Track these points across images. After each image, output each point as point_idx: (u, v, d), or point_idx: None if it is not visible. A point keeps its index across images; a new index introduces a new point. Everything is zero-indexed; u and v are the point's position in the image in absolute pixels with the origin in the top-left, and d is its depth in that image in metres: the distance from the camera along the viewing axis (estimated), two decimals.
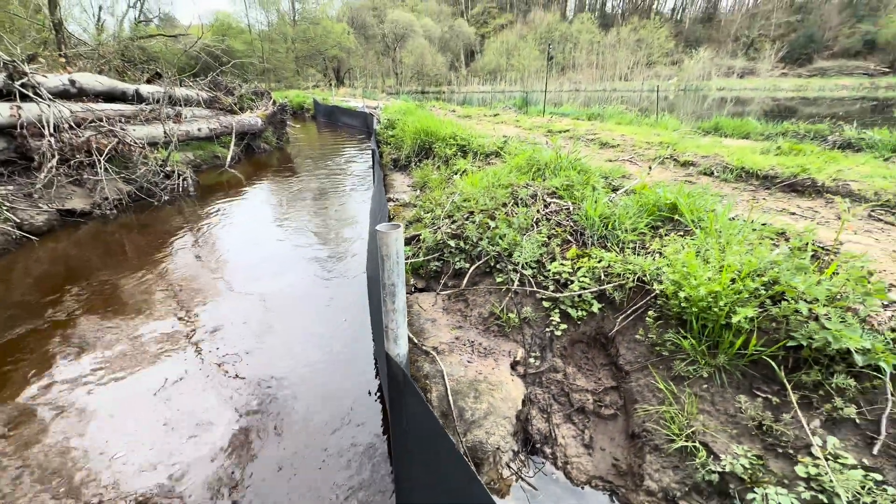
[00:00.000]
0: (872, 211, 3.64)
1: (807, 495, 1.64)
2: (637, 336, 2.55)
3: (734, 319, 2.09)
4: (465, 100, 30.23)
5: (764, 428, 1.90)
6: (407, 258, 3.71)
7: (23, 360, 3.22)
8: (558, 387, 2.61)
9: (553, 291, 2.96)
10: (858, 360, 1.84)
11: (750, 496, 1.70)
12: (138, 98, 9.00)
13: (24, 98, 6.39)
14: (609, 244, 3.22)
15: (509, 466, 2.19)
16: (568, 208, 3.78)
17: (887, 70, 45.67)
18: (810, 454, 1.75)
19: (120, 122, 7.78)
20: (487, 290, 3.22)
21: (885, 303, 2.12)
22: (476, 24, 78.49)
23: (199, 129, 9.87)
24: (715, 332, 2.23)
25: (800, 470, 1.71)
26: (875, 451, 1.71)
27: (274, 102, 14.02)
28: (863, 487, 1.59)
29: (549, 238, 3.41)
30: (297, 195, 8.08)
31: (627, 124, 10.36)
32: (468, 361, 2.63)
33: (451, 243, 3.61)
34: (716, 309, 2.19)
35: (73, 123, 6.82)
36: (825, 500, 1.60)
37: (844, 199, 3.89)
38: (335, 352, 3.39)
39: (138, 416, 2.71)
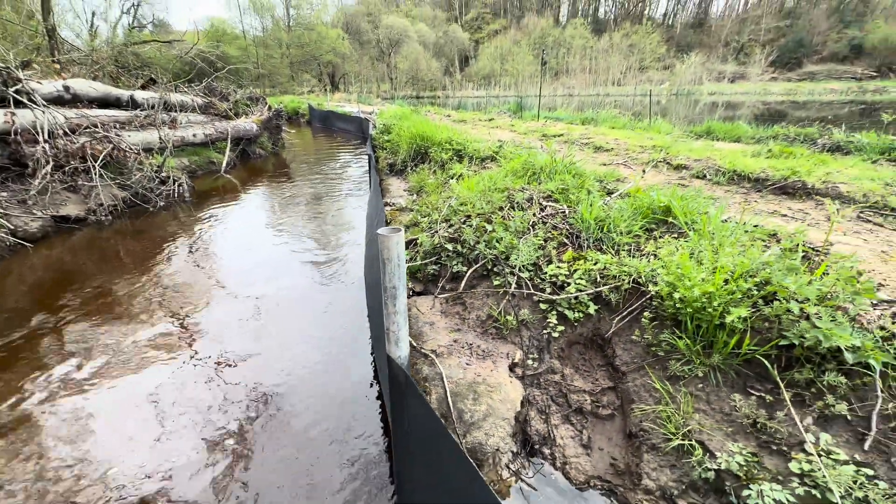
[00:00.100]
0: (861, 212, 3.71)
1: (801, 491, 1.67)
2: (633, 337, 2.59)
3: (728, 319, 2.13)
4: (460, 104, 30.40)
5: (758, 426, 1.94)
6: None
7: (16, 365, 3.20)
8: (556, 388, 2.64)
9: (550, 294, 2.99)
10: (849, 357, 1.88)
11: (745, 493, 1.73)
12: (133, 104, 8.99)
13: (19, 104, 6.37)
14: (604, 247, 3.26)
15: (508, 467, 2.20)
16: (564, 211, 3.82)
17: (874, 74, 46.46)
18: (804, 451, 1.79)
19: (115, 128, 7.77)
20: (485, 292, 3.25)
21: (874, 302, 2.17)
22: (470, 29, 79.03)
23: (194, 135, 9.87)
24: (709, 332, 2.27)
25: (794, 466, 1.75)
26: (866, 447, 1.75)
27: (269, 108, 14.04)
28: (855, 482, 1.62)
29: (545, 241, 3.44)
30: (293, 200, 8.09)
31: (621, 128, 10.47)
32: (467, 364, 2.65)
33: (449, 247, 3.64)
34: (710, 309, 2.23)
35: (67, 130, 6.80)
36: (818, 496, 1.64)
37: (834, 201, 3.96)
38: (333, 353, 3.40)
39: (130, 422, 2.70)
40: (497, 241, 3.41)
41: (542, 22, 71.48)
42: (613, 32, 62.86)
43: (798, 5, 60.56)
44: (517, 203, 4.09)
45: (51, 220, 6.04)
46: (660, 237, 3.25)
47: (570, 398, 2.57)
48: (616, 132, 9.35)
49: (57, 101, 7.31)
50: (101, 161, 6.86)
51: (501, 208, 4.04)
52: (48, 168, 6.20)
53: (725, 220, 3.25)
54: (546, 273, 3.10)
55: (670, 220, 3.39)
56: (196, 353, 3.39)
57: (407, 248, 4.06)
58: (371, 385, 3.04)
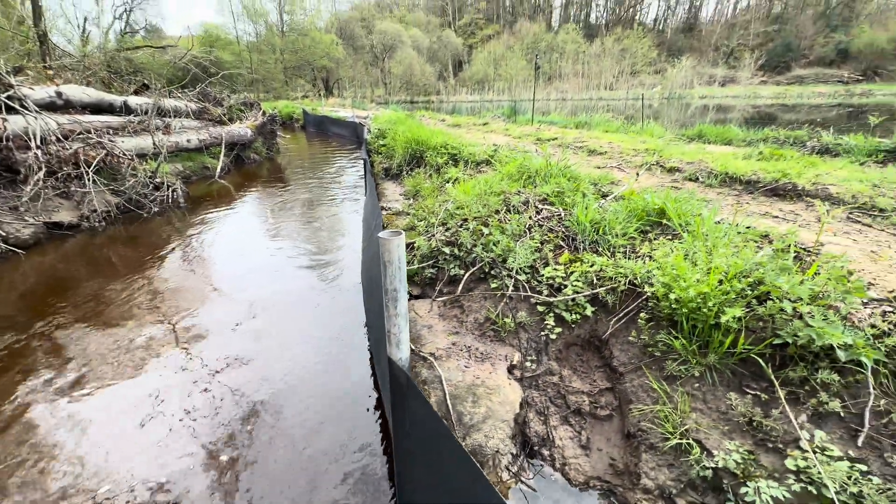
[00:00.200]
0: (850, 213, 3.78)
1: (797, 487, 1.69)
2: (630, 338, 2.61)
3: (723, 319, 2.16)
4: (454, 109, 30.51)
5: (754, 424, 1.96)
6: None
7: (6, 373, 3.16)
8: (555, 389, 2.65)
9: (547, 296, 3.02)
10: (841, 355, 1.91)
11: (743, 490, 1.76)
12: (126, 110, 8.95)
13: (10, 110, 6.33)
14: (600, 249, 3.29)
15: (508, 469, 2.21)
16: (559, 214, 3.86)
17: (861, 77, 47.33)
18: (799, 448, 1.82)
19: (108, 133, 7.73)
20: (483, 295, 3.27)
21: (865, 300, 2.21)
22: (463, 34, 79.54)
23: (188, 141, 9.83)
24: (705, 332, 2.30)
25: (789, 463, 1.77)
26: (859, 443, 1.78)
27: (263, 113, 14.03)
28: (849, 478, 1.65)
29: (541, 244, 3.47)
30: (288, 205, 8.08)
31: (614, 132, 10.57)
32: (466, 366, 2.66)
33: (446, 250, 3.66)
34: (705, 309, 2.26)
35: (60, 136, 6.75)
36: (814, 492, 1.66)
37: (824, 202, 4.03)
38: (332, 353, 3.40)
39: (122, 429, 2.67)
40: (494, 244, 3.44)
41: (534, 27, 72.11)
42: (605, 37, 63.54)
43: (785, 10, 61.64)
44: (513, 206, 4.12)
45: (43, 226, 5.99)
46: (654, 239, 3.29)
47: (568, 399, 2.59)
48: (609, 136, 9.44)
49: (49, 107, 7.26)
50: (95, 167, 6.82)
51: (498, 211, 4.07)
52: (40, 174, 6.15)
53: (718, 222, 3.30)
54: (543, 275, 3.13)
55: (664, 221, 3.44)
56: (188, 359, 3.37)
57: None
58: (370, 395, 3.04)
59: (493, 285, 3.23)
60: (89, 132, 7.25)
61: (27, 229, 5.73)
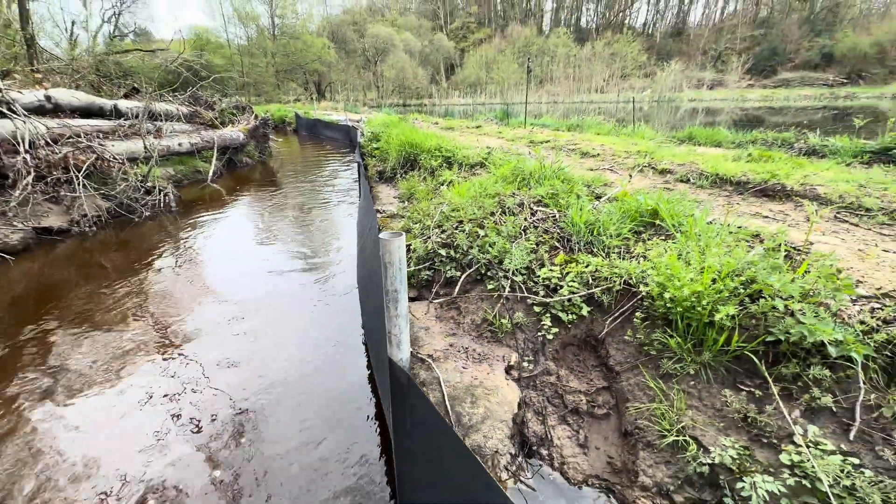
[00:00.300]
0: (838, 213, 3.86)
1: (791, 482, 1.72)
2: (626, 337, 2.64)
3: (717, 317, 2.19)
4: (447, 112, 30.64)
5: (749, 420, 2.00)
6: None
7: None
8: (552, 389, 2.67)
9: (543, 296, 3.04)
10: (832, 351, 1.95)
11: (739, 485, 1.78)
12: (117, 113, 8.87)
13: None
14: (595, 249, 3.33)
15: (507, 469, 2.22)
16: (554, 216, 3.89)
17: (845, 81, 48.40)
18: (793, 442, 1.85)
19: (98, 137, 7.64)
20: (479, 297, 3.28)
21: (854, 297, 2.26)
22: (455, 38, 79.95)
23: (179, 144, 9.76)
24: (699, 330, 2.34)
25: (784, 458, 1.80)
26: (851, 437, 1.82)
27: (256, 117, 13.98)
28: (842, 471, 1.69)
29: (537, 245, 3.50)
30: (281, 209, 8.04)
31: (606, 134, 10.68)
32: (463, 367, 2.67)
33: (442, 252, 3.67)
34: (699, 308, 2.30)
35: (49, 140, 6.67)
36: (808, 486, 1.69)
37: (812, 202, 4.11)
38: (329, 353, 3.39)
39: (111, 435, 2.64)
40: (490, 246, 3.45)
41: (525, 31, 72.72)
42: (595, 41, 64.28)
43: (771, 15, 62.85)
44: (508, 208, 4.15)
45: (32, 232, 5.90)
46: (648, 239, 3.33)
47: (565, 399, 2.61)
48: (601, 138, 9.54)
49: (38, 110, 7.17)
50: (85, 171, 6.74)
51: (493, 213, 4.09)
52: (29, 179, 6.06)
53: (710, 222, 3.35)
54: (539, 276, 3.15)
55: (657, 222, 3.48)
56: (179, 362, 3.34)
57: None
58: (367, 395, 3.03)
59: (490, 286, 3.25)
60: (79, 136, 7.16)
61: (16, 235, 5.64)
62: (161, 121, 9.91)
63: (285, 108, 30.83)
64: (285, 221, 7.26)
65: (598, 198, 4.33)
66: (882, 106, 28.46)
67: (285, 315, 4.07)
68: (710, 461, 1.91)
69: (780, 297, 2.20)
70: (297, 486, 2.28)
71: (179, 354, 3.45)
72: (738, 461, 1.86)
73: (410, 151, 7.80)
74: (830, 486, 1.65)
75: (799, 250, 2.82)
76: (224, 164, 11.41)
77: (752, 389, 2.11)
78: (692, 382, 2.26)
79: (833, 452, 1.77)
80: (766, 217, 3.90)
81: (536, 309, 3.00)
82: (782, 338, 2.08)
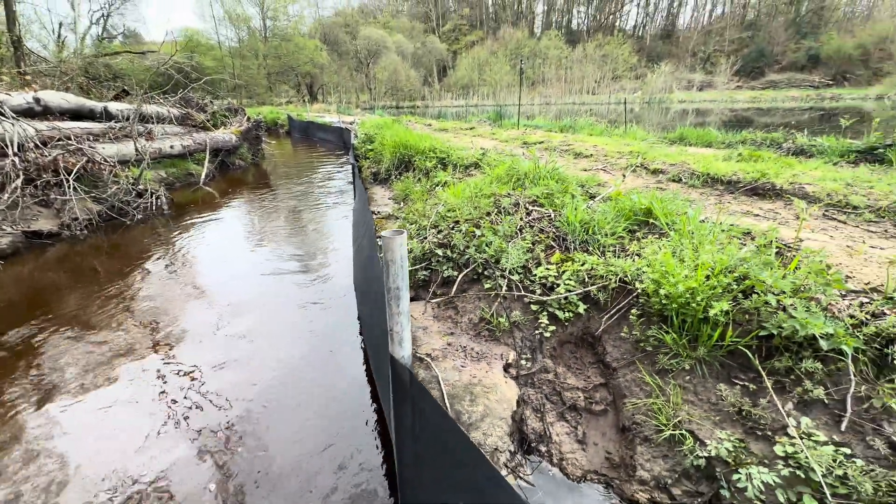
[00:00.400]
0: (826, 211, 3.94)
1: (786, 472, 1.76)
2: (622, 334, 2.67)
3: (711, 313, 2.23)
4: (440, 114, 30.70)
5: (744, 413, 2.03)
6: None
7: None
8: (550, 386, 2.70)
9: (540, 295, 3.06)
10: (823, 344, 2.00)
11: (735, 477, 1.82)
12: (107, 116, 8.78)
13: None
14: (590, 248, 3.36)
15: (507, 466, 2.24)
16: (549, 215, 3.92)
17: (831, 82, 49.33)
18: (787, 434, 1.89)
19: (88, 140, 7.56)
20: (476, 296, 3.30)
21: (843, 292, 2.31)
22: (447, 40, 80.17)
23: (171, 147, 9.68)
24: (694, 326, 2.37)
25: (778, 449, 1.84)
26: (843, 428, 1.86)
27: (248, 119, 13.90)
28: (834, 461, 1.73)
29: (533, 244, 3.52)
30: (274, 211, 8.01)
31: (598, 135, 10.78)
32: (462, 366, 2.68)
33: (439, 252, 3.68)
34: (693, 304, 2.34)
35: (38, 142, 6.59)
36: (802, 476, 1.73)
37: (801, 200, 4.19)
38: (326, 349, 3.39)
39: (102, 438, 2.62)
40: (486, 246, 3.48)
41: (517, 33, 73.09)
42: (587, 43, 64.78)
43: (758, 18, 63.84)
44: (504, 208, 4.18)
45: (22, 235, 5.82)
46: (643, 238, 3.37)
47: (563, 396, 2.63)
48: (594, 139, 9.63)
49: (27, 113, 7.09)
50: (75, 174, 6.66)
51: (489, 213, 4.12)
52: (18, 182, 5.98)
53: (703, 221, 3.40)
54: (535, 275, 3.18)
55: (651, 221, 3.53)
56: (171, 366, 3.32)
57: None
58: (365, 396, 3.03)
59: (487, 286, 3.27)
60: (69, 138, 7.08)
61: (5, 238, 5.56)
62: (152, 123, 9.82)
63: (278, 111, 30.69)
64: (279, 224, 7.23)
65: (592, 197, 4.37)
66: (866, 107, 29.03)
67: (282, 314, 4.06)
68: (706, 454, 1.94)
69: (773, 293, 2.25)
70: (297, 486, 2.27)
71: (171, 357, 3.43)
72: (733, 453, 1.90)
73: (405, 153, 7.81)
74: (823, 476, 1.69)
75: (789, 247, 2.88)
76: (216, 167, 11.34)
77: (747, 383, 2.15)
78: (688, 377, 2.29)
79: (826, 443, 1.81)
80: (757, 215, 3.97)
81: (533, 307, 3.03)
82: (775, 332, 2.13)
